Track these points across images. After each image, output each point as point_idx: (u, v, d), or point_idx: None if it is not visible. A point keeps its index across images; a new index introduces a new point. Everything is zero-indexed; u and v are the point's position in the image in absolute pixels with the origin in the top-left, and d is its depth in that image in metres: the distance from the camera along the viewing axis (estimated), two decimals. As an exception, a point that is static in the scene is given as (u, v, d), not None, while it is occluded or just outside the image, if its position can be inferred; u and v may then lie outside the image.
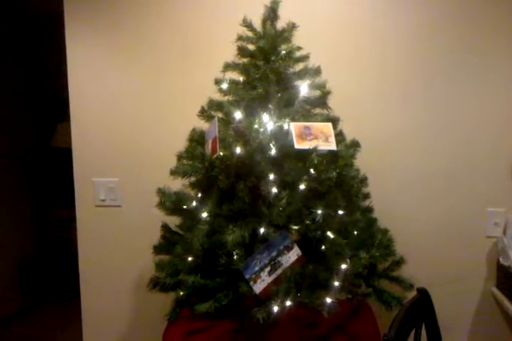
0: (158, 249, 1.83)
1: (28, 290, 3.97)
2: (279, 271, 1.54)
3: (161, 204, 1.73)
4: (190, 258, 1.66)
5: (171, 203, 1.71)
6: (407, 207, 2.08)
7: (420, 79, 2.02)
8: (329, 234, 1.60)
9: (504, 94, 1.99)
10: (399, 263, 1.82)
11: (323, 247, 1.61)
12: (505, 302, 1.90)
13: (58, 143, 3.95)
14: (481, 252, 2.07)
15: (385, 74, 2.03)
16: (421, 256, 2.07)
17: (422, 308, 1.60)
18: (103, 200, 2.17)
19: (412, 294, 1.72)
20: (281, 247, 1.55)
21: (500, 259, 1.97)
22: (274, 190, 1.53)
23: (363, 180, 1.85)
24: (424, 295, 1.60)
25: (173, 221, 1.80)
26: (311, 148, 1.55)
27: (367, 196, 1.87)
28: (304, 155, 1.57)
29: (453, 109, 2.02)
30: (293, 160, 1.56)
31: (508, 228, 2.00)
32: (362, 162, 1.82)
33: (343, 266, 1.58)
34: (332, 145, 1.60)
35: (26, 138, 4.10)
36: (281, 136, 1.59)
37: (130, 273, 2.21)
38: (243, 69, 1.73)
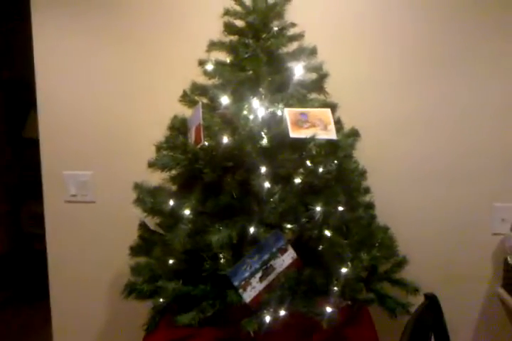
0: (135, 251, 1.69)
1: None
2: (271, 277, 1.41)
3: (139, 201, 1.61)
4: (170, 262, 1.52)
5: (149, 199, 1.58)
6: (407, 203, 1.97)
7: (426, 64, 1.89)
8: (327, 233, 1.46)
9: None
10: (401, 263, 1.69)
11: (320, 248, 1.48)
12: (513, 303, 1.79)
13: (30, 133, 3.78)
14: (486, 250, 1.96)
15: (388, 57, 1.89)
16: (423, 256, 1.96)
17: (430, 317, 1.45)
18: (74, 195, 2.02)
19: (416, 298, 1.58)
20: (274, 249, 1.42)
21: (509, 258, 1.86)
22: (266, 184, 1.41)
23: (363, 173, 1.72)
24: (432, 301, 1.45)
25: (153, 218, 1.64)
26: (308, 137, 1.43)
27: (367, 191, 1.73)
28: (300, 145, 1.46)
29: (459, 98, 1.90)
30: (287, 150, 1.45)
31: (516, 224, 1.88)
32: (360, 153, 1.70)
33: (344, 270, 1.44)
34: (332, 134, 1.47)
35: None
36: (274, 124, 1.48)
37: (104, 275, 2.08)
38: (230, 49, 1.60)
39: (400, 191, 1.96)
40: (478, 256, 1.96)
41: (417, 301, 1.54)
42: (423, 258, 1.94)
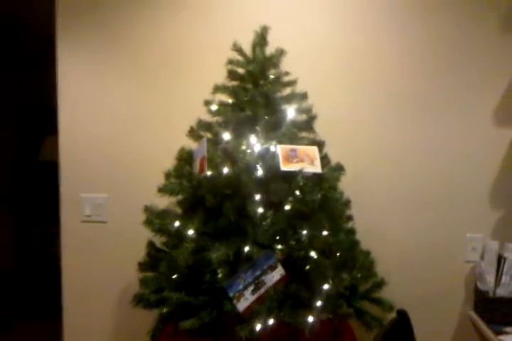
0: (143, 266, 1.84)
1: (4, 304, 3.90)
2: (262, 290, 1.56)
3: (147, 222, 1.75)
4: (174, 276, 1.67)
5: (157, 221, 1.73)
6: (388, 231, 2.13)
7: (404, 106, 2.09)
8: (313, 254, 1.62)
9: (488, 119, 2.07)
10: (380, 284, 1.86)
11: (307, 267, 1.64)
12: (482, 326, 1.94)
13: (45, 156, 3.93)
14: (459, 276, 2.12)
15: (370, 100, 2.09)
16: (401, 278, 2.11)
17: (401, 330, 1.63)
18: (88, 216, 2.17)
19: (392, 315, 1.75)
20: (265, 266, 1.58)
21: (478, 284, 2.02)
22: (260, 209, 1.57)
23: (347, 203, 1.90)
24: (403, 317, 1.63)
25: (159, 238, 1.80)
26: (296, 170, 1.60)
27: (350, 218, 1.91)
28: (290, 176, 1.62)
29: (435, 136, 2.09)
30: (279, 181, 1.61)
31: (485, 253, 2.05)
32: (345, 184, 1.87)
33: (326, 286, 1.61)
34: (317, 168, 1.65)
35: (12, 151, 4.07)
36: (268, 158, 1.64)
37: (114, 290, 2.20)
38: (232, 92, 1.78)
39: (382, 220, 2.12)
40: (452, 280, 2.12)
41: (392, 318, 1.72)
42: (401, 282, 2.09)
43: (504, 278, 1.95)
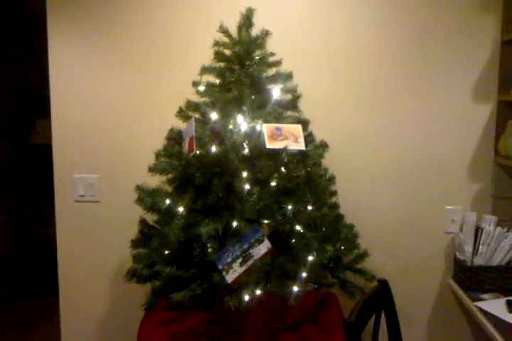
0: (135, 243, 1.90)
1: (5, 285, 3.96)
2: (250, 262, 1.63)
3: (139, 200, 1.81)
4: (166, 251, 1.73)
5: (149, 199, 1.78)
6: (371, 204, 2.21)
7: (384, 85, 2.15)
8: (298, 228, 1.70)
9: (462, 96, 2.14)
10: (362, 256, 1.93)
11: (292, 241, 1.71)
12: (460, 292, 2.05)
13: (37, 139, 3.94)
14: (439, 247, 2.22)
15: (352, 79, 2.15)
16: (384, 250, 2.20)
17: (382, 297, 1.72)
18: (82, 196, 2.23)
19: (374, 284, 1.85)
20: (253, 240, 1.64)
21: (457, 254, 2.12)
22: (247, 186, 1.62)
23: (331, 179, 1.97)
24: (384, 285, 1.73)
25: (151, 216, 1.86)
26: (281, 147, 1.66)
27: (334, 193, 1.98)
28: (275, 154, 1.67)
29: (414, 111, 2.16)
30: (264, 158, 1.66)
31: (464, 225, 2.14)
32: (331, 161, 1.95)
33: (310, 258, 1.69)
34: (301, 146, 1.70)
35: (4, 135, 4.08)
36: (254, 137, 1.69)
37: (108, 267, 2.27)
38: (219, 73, 1.82)
39: (366, 195, 2.20)
40: (432, 251, 2.21)
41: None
42: (384, 254, 2.20)
43: (481, 248, 2.05)
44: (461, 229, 2.16)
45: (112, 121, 2.21)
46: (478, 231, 2.09)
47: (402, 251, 2.22)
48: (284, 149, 1.65)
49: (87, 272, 2.29)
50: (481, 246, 2.05)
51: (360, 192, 2.21)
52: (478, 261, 2.05)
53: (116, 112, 2.20)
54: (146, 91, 2.18)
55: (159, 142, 1.87)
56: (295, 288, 1.63)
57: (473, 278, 2.02)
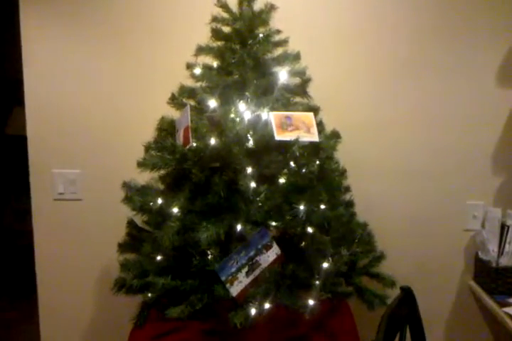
0: (123, 247, 1.74)
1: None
2: (257, 272, 1.46)
3: (127, 199, 1.63)
4: (159, 258, 1.55)
5: (138, 198, 1.60)
6: (385, 200, 2.05)
7: (404, 66, 1.97)
8: (310, 230, 1.52)
9: (482, 89, 1.98)
10: (379, 258, 1.76)
11: (303, 244, 1.54)
12: (483, 295, 1.90)
13: (14, 130, 3.73)
14: (459, 245, 2.07)
15: (369, 62, 1.96)
16: (399, 250, 2.04)
17: (406, 308, 1.54)
18: (61, 193, 2.03)
19: (393, 291, 1.67)
20: (260, 246, 1.47)
21: (479, 253, 1.96)
22: (253, 184, 1.45)
23: (343, 173, 1.80)
24: (408, 294, 1.54)
25: (140, 217, 1.67)
26: (292, 139, 1.48)
27: (347, 189, 1.80)
28: (285, 147, 1.50)
29: (436, 102, 1.99)
30: (272, 152, 1.49)
31: (486, 221, 1.98)
32: (340, 153, 1.76)
33: (325, 265, 1.51)
34: (314, 137, 1.53)
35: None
36: (260, 127, 1.52)
37: (92, 272, 2.09)
38: (218, 53, 1.65)
39: (378, 190, 2.03)
40: (451, 250, 2.06)
41: (393, 294, 1.62)
42: (400, 253, 2.03)
43: (508, 247, 1.88)
44: (483, 226, 1.99)
45: (95, 108, 2.00)
46: (503, 228, 1.92)
47: (419, 251, 2.07)
48: (296, 141, 1.47)
49: (69, 277, 2.10)
50: (507, 245, 1.88)
51: (372, 186, 2.03)
52: (505, 261, 1.88)
53: (99, 98, 2.00)
54: (132, 75, 1.98)
55: (149, 133, 1.67)
56: (310, 301, 1.44)
57: (499, 280, 1.87)
